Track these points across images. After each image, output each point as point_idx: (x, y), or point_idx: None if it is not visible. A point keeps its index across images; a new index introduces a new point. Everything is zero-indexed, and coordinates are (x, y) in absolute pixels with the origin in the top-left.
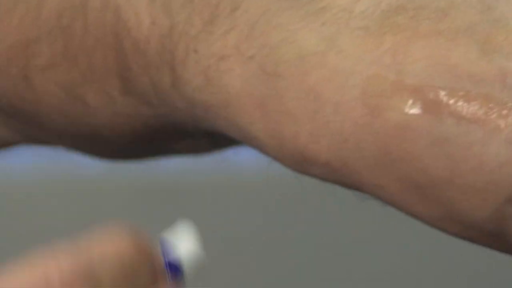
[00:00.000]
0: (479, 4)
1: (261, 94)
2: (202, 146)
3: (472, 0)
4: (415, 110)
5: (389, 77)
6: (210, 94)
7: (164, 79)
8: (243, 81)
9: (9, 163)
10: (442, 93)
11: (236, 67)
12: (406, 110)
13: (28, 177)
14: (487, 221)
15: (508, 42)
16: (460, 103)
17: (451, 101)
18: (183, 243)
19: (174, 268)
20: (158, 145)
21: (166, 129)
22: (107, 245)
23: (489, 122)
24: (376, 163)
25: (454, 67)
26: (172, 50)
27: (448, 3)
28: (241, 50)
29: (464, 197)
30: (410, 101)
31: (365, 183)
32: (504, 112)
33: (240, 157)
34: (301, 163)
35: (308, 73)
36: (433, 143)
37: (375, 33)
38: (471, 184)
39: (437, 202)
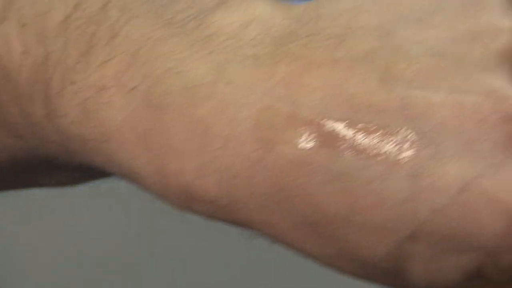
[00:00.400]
0: (377, 30)
1: (145, 127)
2: (73, 179)
3: (369, 25)
4: (310, 144)
5: (282, 109)
6: (88, 127)
7: (36, 111)
8: (125, 114)
9: None
10: (340, 126)
11: (117, 99)
12: (301, 144)
13: None
14: (384, 260)
15: (410, 71)
16: (359, 136)
17: (349, 134)
18: None
19: None
20: (23, 177)
21: (35, 161)
22: None
23: (389, 156)
24: (268, 199)
25: (352, 98)
26: (47, 81)
27: (343, 29)
28: (122, 80)
29: (361, 235)
30: (305, 135)
31: (255, 221)
32: (406, 145)
33: None
34: (186, 201)
35: (195, 105)
36: (330, 178)
37: (267, 62)
38: (369, 221)
39: (332, 240)
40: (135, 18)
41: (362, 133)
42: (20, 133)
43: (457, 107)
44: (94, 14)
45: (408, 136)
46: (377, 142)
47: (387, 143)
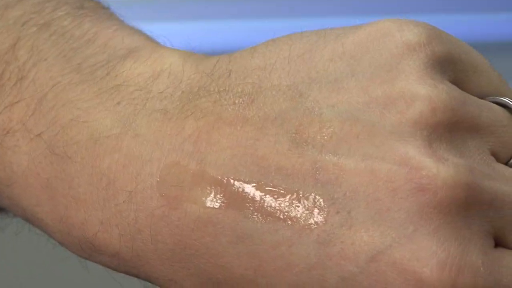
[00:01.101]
0: (289, 89)
1: (49, 175)
2: None
3: (281, 84)
4: (217, 204)
5: (190, 167)
6: None
7: None
8: (29, 160)
9: None
10: (247, 187)
11: (22, 144)
12: (208, 203)
13: None
14: None
15: (322, 135)
16: (267, 199)
17: (257, 196)
18: None
19: None
20: None
21: None
22: None
23: (298, 221)
24: (172, 257)
25: (261, 159)
26: None
27: (254, 87)
28: (27, 126)
29: None
30: (212, 194)
31: (158, 277)
32: (316, 210)
33: None
34: (89, 252)
35: (100, 157)
36: (236, 240)
37: (175, 116)
38: (275, 285)
39: None
40: (43, 61)
41: (271, 196)
42: None
43: (370, 175)
44: (2, 53)
45: (318, 202)
46: (286, 206)
47: (296, 207)
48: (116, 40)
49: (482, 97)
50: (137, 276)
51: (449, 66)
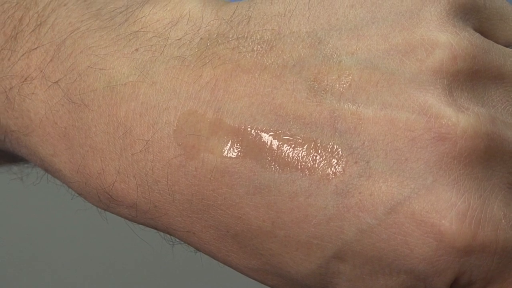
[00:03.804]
0: (309, 36)
1: (67, 124)
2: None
3: (300, 31)
4: (234, 154)
5: (207, 115)
6: (11, 118)
7: None
8: (47, 108)
9: None
10: (265, 136)
11: (39, 91)
12: (225, 153)
13: None
14: (309, 277)
15: (341, 82)
16: (284, 148)
17: (275, 146)
18: None
19: None
20: None
21: None
22: None
23: (316, 171)
24: (190, 208)
25: (279, 108)
26: None
27: (274, 34)
28: (45, 73)
29: (285, 250)
30: (229, 144)
31: (176, 229)
32: (334, 160)
33: None
34: (107, 202)
35: (117, 106)
36: (254, 190)
37: (193, 64)
38: (293, 237)
39: (255, 253)
40: (63, 6)
41: (288, 145)
42: None
43: (388, 124)
44: None
45: (336, 151)
46: (304, 156)
47: (314, 157)
48: None
49: (508, 46)
50: (155, 228)
51: (473, 14)
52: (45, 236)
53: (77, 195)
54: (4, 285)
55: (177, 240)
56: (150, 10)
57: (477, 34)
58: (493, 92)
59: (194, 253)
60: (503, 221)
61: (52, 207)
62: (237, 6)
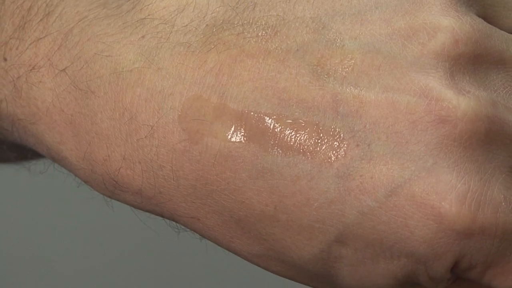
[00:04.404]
0: (313, 22)
1: (73, 111)
2: (8, 157)
3: (305, 17)
4: (238, 138)
5: (211, 100)
6: (18, 107)
7: None
8: (54, 96)
9: None
10: (268, 120)
11: (47, 79)
12: (229, 137)
13: None
14: (312, 262)
15: (343, 66)
16: (287, 132)
17: (277, 129)
18: None
19: None
20: None
21: None
22: None
23: (318, 154)
24: (194, 193)
25: (282, 92)
26: None
27: (278, 19)
28: (53, 61)
29: (288, 235)
30: (233, 128)
31: (181, 215)
32: (335, 144)
33: None
34: (113, 189)
35: (123, 92)
36: (257, 174)
37: (198, 50)
38: (296, 221)
39: (259, 238)
40: None
41: (291, 129)
42: None
43: (390, 107)
44: None
45: (338, 135)
46: (306, 139)
47: (316, 140)
48: None
49: (511, 32)
50: (161, 214)
51: (477, 0)
52: (45, 237)
53: (83, 183)
54: (4, 285)
55: (182, 227)
56: None
57: (480, 19)
58: (494, 77)
59: (199, 240)
60: (503, 204)
61: (52, 207)
62: None
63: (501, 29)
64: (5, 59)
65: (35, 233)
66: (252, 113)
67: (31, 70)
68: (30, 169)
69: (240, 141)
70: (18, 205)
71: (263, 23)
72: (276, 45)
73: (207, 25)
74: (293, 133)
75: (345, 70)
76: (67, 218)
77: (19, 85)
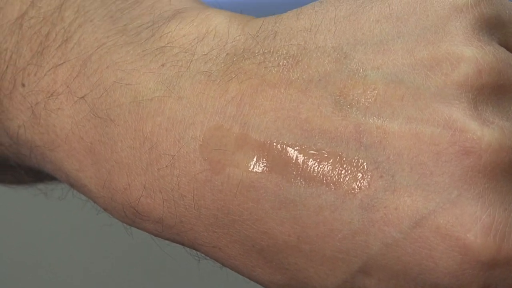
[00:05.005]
0: (335, 51)
1: (92, 139)
2: (25, 180)
3: (326, 46)
4: (260, 168)
5: (233, 130)
6: (36, 133)
7: None
8: (73, 123)
9: None
10: (291, 151)
11: (66, 106)
12: (251, 167)
13: None
14: None
15: (366, 96)
16: (310, 163)
17: (300, 160)
18: None
19: None
20: None
21: None
22: None
23: (341, 185)
24: (216, 223)
25: (305, 122)
26: None
27: (300, 49)
28: (71, 88)
29: (310, 265)
30: (255, 158)
31: (202, 244)
32: (359, 175)
33: None
34: (133, 218)
35: (143, 121)
36: (279, 205)
37: (219, 79)
38: (319, 251)
39: (281, 268)
40: (89, 22)
41: (314, 160)
42: None
43: (413, 138)
44: (49, 14)
45: (362, 166)
46: (329, 170)
47: (340, 171)
48: (163, 1)
49: None
50: (182, 243)
51: (498, 29)
52: (45, 238)
53: (103, 210)
54: (4, 285)
55: (203, 255)
56: (177, 26)
57: (503, 49)
58: None
59: (220, 269)
60: None
61: (53, 209)
62: (263, 22)
63: None
64: (23, 85)
65: (36, 236)
66: (274, 143)
67: (49, 96)
68: (47, 194)
69: (263, 172)
70: (19, 208)
71: (284, 52)
72: (298, 75)
73: (227, 53)
74: (316, 164)
75: (368, 100)
76: (68, 220)
77: (38, 112)
